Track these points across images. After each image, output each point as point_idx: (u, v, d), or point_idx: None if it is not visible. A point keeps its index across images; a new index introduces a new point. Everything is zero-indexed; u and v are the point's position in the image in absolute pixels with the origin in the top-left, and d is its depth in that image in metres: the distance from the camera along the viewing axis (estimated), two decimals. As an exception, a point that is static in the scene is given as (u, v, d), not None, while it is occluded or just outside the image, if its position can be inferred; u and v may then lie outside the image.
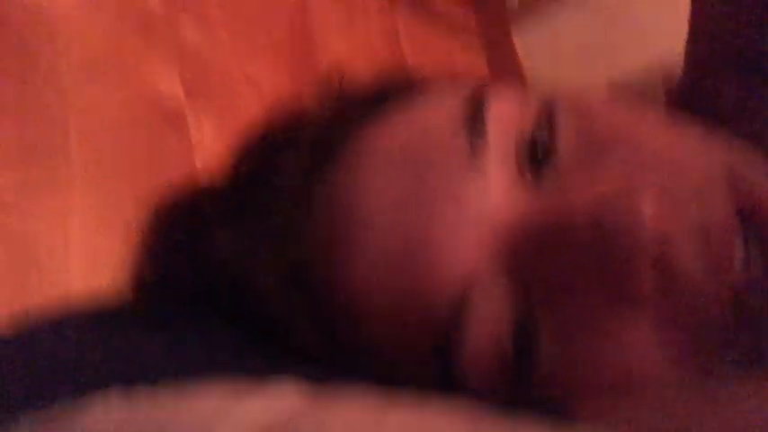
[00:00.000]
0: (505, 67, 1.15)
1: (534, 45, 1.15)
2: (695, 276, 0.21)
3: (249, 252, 0.26)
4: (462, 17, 1.11)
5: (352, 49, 0.82)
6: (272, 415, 0.18)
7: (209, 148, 0.55)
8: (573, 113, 0.24)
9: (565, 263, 0.22)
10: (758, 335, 0.22)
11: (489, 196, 0.23)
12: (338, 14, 0.83)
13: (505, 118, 0.24)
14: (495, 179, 0.23)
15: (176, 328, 0.25)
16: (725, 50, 0.34)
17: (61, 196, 0.44)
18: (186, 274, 0.28)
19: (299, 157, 0.28)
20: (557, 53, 1.12)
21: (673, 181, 0.22)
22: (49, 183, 0.44)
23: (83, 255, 0.43)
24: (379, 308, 0.24)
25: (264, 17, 0.70)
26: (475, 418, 0.17)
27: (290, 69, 0.70)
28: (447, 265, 0.23)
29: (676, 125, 0.26)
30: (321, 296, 0.25)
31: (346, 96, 0.31)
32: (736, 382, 0.21)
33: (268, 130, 0.32)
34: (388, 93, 0.30)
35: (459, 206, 0.23)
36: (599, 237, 0.21)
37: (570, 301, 0.22)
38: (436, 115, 0.26)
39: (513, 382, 0.23)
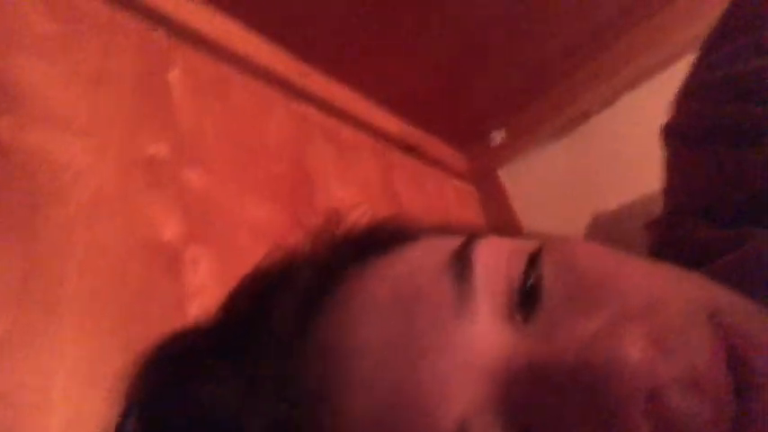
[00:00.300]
0: (494, 201, 1.19)
1: (520, 180, 1.20)
2: (690, 423, 0.21)
3: (239, 398, 0.26)
4: (450, 156, 1.17)
5: (349, 188, 0.86)
6: None
7: (204, 293, 0.55)
8: (558, 259, 0.26)
9: (556, 408, 0.22)
10: None
11: (477, 342, 0.24)
12: (334, 157, 0.87)
13: (492, 264, 0.25)
14: (482, 324, 0.24)
15: None
16: (693, 201, 0.37)
17: (50, 346, 0.43)
18: (175, 421, 0.27)
19: (291, 304, 0.29)
20: (542, 188, 1.17)
21: (657, 323, 0.23)
22: (41, 327, 0.44)
23: (65, 415, 0.42)
24: None
25: (265, 163, 0.74)
26: None
27: (289, 210, 0.72)
28: (439, 414, 0.22)
29: (656, 268, 0.27)
30: None
31: (339, 242, 0.33)
32: None
33: (262, 273, 0.33)
34: (380, 240, 0.31)
35: (448, 354, 0.23)
36: (588, 382, 0.21)
37: None
38: (424, 264, 0.27)
39: None
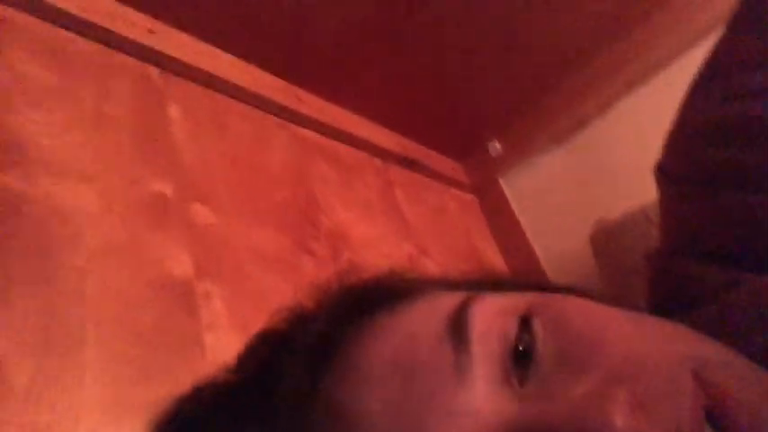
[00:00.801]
0: (497, 209, 1.20)
1: (521, 188, 1.20)
2: None
3: None
4: (450, 168, 1.18)
5: (352, 208, 0.87)
6: None
7: (219, 325, 0.56)
8: (549, 319, 0.27)
9: None
10: None
11: (476, 409, 0.25)
12: (336, 178, 0.88)
13: (487, 329, 0.27)
14: (480, 390, 0.25)
15: None
16: (690, 243, 0.38)
17: (74, 389, 0.44)
18: None
19: (298, 367, 0.30)
20: (543, 194, 1.17)
21: (642, 385, 0.24)
22: (64, 372, 0.44)
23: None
24: None
25: (268, 190, 0.74)
26: None
27: (294, 235, 0.73)
28: None
29: (643, 324, 0.28)
30: None
31: (341, 300, 0.34)
32: None
33: (271, 333, 0.35)
34: (381, 298, 0.32)
35: (449, 421, 0.25)
36: None
37: None
38: (423, 329, 0.28)
39: None
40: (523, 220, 1.16)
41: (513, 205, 1.18)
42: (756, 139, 0.34)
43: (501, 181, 1.20)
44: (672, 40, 1.00)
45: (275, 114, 0.84)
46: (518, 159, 1.18)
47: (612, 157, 1.14)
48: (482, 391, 0.26)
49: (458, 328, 0.27)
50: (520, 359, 0.27)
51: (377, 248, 0.85)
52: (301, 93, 0.89)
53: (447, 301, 0.30)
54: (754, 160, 0.34)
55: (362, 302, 0.34)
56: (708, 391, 0.24)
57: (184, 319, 0.55)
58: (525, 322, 0.28)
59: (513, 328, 0.27)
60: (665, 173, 0.40)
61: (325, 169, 0.87)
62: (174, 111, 0.69)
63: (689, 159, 0.38)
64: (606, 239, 0.91)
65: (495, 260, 1.12)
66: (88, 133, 0.58)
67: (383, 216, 0.92)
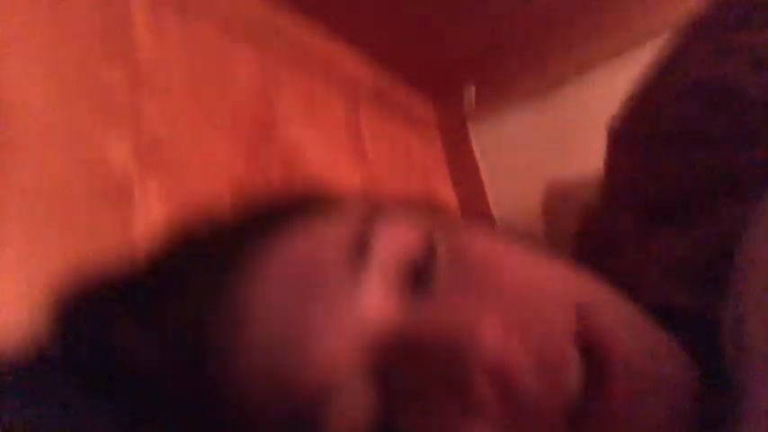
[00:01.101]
0: (460, 156, 1.20)
1: (488, 138, 1.20)
2: (531, 402, 0.23)
3: (148, 336, 0.28)
4: (422, 108, 1.17)
5: (312, 131, 0.86)
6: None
7: (152, 223, 0.56)
8: (453, 245, 0.28)
9: (420, 377, 0.25)
10: None
11: (360, 314, 0.27)
12: (301, 98, 0.87)
13: (392, 242, 0.28)
14: (370, 295, 0.27)
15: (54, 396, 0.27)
16: (626, 197, 0.39)
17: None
18: (81, 346, 0.30)
19: (208, 264, 0.32)
20: (509, 147, 1.18)
21: (522, 312, 0.26)
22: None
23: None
24: (256, 400, 0.27)
25: (227, 101, 0.73)
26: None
27: (248, 152, 0.72)
28: (313, 366, 0.26)
29: (545, 262, 0.30)
30: (206, 384, 0.28)
31: (264, 209, 0.35)
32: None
33: (190, 230, 0.35)
34: (301, 210, 0.33)
35: (333, 316, 0.27)
36: (442, 356, 0.24)
37: (424, 412, 0.24)
38: (328, 235, 0.29)
39: None
40: (484, 171, 1.17)
41: (477, 154, 1.18)
42: (727, 100, 0.34)
43: (470, 128, 1.20)
44: (659, 17, 0.99)
45: (246, 24, 0.82)
46: (490, 109, 1.18)
47: (584, 121, 1.14)
48: (373, 298, 0.27)
49: (361, 238, 0.29)
50: (418, 278, 0.28)
51: (331, 173, 0.85)
52: (276, 4, 0.86)
53: (358, 215, 0.31)
54: (720, 121, 0.34)
55: (281, 214, 0.35)
56: (587, 328, 0.26)
57: (118, 214, 0.55)
58: (430, 245, 0.29)
59: (417, 248, 0.29)
60: (616, 133, 0.41)
61: (289, 87, 0.85)
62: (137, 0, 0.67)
63: (651, 114, 0.38)
64: (556, 200, 0.93)
65: (450, 205, 1.14)
66: (43, 11, 0.56)
67: (343, 143, 0.92)
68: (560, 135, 1.14)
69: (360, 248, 0.28)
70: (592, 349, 0.25)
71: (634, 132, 0.40)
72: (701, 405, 0.25)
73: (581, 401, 0.24)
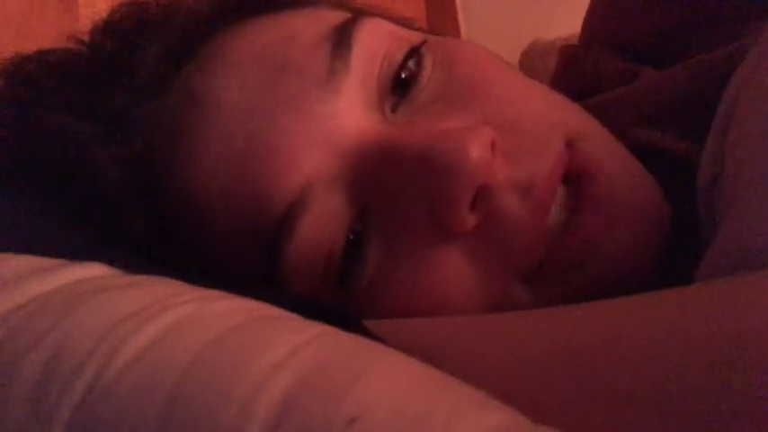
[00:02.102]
0: (441, 8, 1.14)
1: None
2: (512, 223, 0.22)
3: (91, 128, 0.25)
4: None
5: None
6: (74, 279, 0.17)
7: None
8: (440, 58, 0.25)
9: (397, 188, 0.23)
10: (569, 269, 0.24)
11: (336, 117, 0.24)
12: None
13: (374, 47, 0.25)
14: (345, 102, 0.24)
15: None
16: (608, 34, 0.36)
17: None
18: (20, 141, 0.27)
19: (162, 45, 0.28)
20: (494, 7, 1.12)
21: (512, 137, 0.24)
22: None
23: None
24: (217, 198, 0.25)
25: None
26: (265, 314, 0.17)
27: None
28: (284, 174, 0.24)
29: (536, 87, 0.27)
30: (160, 182, 0.25)
31: None
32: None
33: (142, 6, 0.31)
34: (275, 1, 0.29)
35: (305, 121, 0.24)
36: (428, 168, 0.23)
37: (398, 223, 0.24)
38: (303, 31, 0.26)
39: (335, 286, 0.24)
40: (463, 21, 1.11)
41: (458, 3, 1.12)
42: None
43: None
44: None
45: None
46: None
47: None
48: (349, 102, 0.24)
49: (341, 35, 0.25)
50: (398, 88, 0.26)
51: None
52: None
53: (338, 15, 0.27)
54: None
55: (251, 2, 0.30)
56: (574, 157, 0.25)
57: (60, 14, 0.49)
58: (414, 53, 0.26)
59: (400, 54, 0.26)
60: None
61: None
62: None
63: None
64: (534, 58, 0.90)
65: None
66: None
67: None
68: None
69: (338, 47, 0.25)
70: (578, 178, 0.24)
71: None
72: (669, 242, 0.25)
73: (560, 228, 0.24)
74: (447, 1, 1.11)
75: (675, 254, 0.25)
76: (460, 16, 1.10)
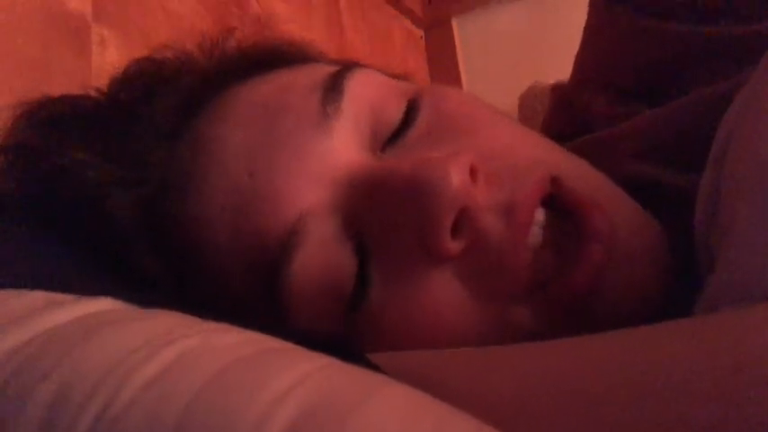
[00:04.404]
0: (441, 51, 1.16)
1: (473, 34, 1.16)
2: (493, 244, 0.23)
3: (107, 170, 0.27)
4: (407, -4, 1.11)
5: (288, 4, 0.81)
6: (85, 313, 0.18)
7: (109, 72, 0.53)
8: (430, 102, 0.27)
9: (387, 215, 0.24)
10: (553, 293, 0.24)
11: (329, 153, 0.26)
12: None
13: (366, 94, 0.27)
14: (338, 140, 0.26)
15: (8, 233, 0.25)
16: (600, 73, 0.38)
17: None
18: (39, 178, 0.28)
19: (176, 98, 0.30)
20: (493, 45, 1.14)
21: (493, 165, 0.25)
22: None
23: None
24: (223, 233, 0.26)
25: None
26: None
27: (217, 12, 0.68)
28: (281, 208, 0.25)
29: (522, 130, 0.29)
30: (170, 222, 0.27)
31: (236, 54, 0.33)
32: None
33: (158, 62, 0.33)
34: (273, 59, 0.32)
35: (299, 158, 0.26)
36: (411, 194, 0.23)
37: (391, 250, 0.24)
38: (300, 81, 0.27)
39: (337, 314, 0.24)
40: (464, 67, 1.13)
41: (459, 50, 1.14)
42: None
43: (454, 21, 1.15)
44: None
45: None
46: (477, 3, 1.13)
47: (574, 23, 1.10)
48: (341, 141, 0.26)
49: (334, 82, 0.27)
50: (391, 133, 0.27)
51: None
52: None
53: (334, 67, 0.30)
54: None
55: (253, 60, 0.33)
56: (564, 192, 0.25)
57: (74, 61, 0.51)
58: (406, 101, 0.28)
59: (395, 106, 0.27)
60: None
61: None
62: None
63: None
64: (533, 101, 0.92)
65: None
66: None
67: (320, 21, 0.87)
68: (546, 38, 1.10)
69: (331, 93, 0.27)
70: (570, 213, 0.25)
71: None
72: (670, 278, 0.26)
73: (550, 268, 0.24)
74: (448, 50, 1.14)
75: (675, 285, 0.25)
76: (461, 65, 1.13)
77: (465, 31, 1.16)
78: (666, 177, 0.29)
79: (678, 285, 0.25)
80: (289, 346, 0.18)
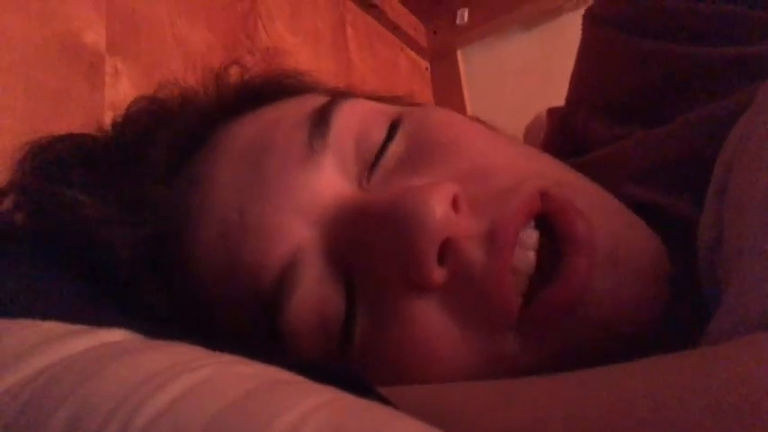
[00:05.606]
0: (446, 82, 1.18)
1: (478, 65, 1.18)
2: (477, 272, 0.23)
3: (106, 211, 0.27)
4: (412, 26, 1.13)
5: (296, 34, 0.82)
6: (97, 343, 0.18)
7: (121, 101, 0.54)
8: (412, 124, 0.27)
9: (370, 247, 0.24)
10: (543, 321, 0.23)
11: (316, 190, 0.26)
12: (286, 0, 0.83)
13: (351, 125, 0.27)
14: (325, 174, 0.26)
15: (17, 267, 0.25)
16: (595, 93, 0.38)
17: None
18: (45, 215, 0.28)
19: (174, 137, 0.31)
20: (497, 76, 1.15)
21: (477, 189, 0.25)
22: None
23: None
24: (219, 269, 0.27)
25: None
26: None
27: (227, 43, 0.69)
28: (276, 236, 0.25)
29: (512, 145, 0.28)
30: (169, 259, 0.28)
31: (232, 90, 0.34)
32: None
33: (160, 101, 0.34)
34: (267, 93, 0.32)
35: (286, 197, 0.26)
36: (393, 226, 0.23)
37: (377, 282, 0.24)
38: (290, 113, 0.28)
39: (333, 348, 0.24)
40: (469, 98, 1.15)
41: (464, 81, 1.16)
42: None
43: (459, 53, 1.17)
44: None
45: None
46: (482, 35, 1.15)
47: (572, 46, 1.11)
48: (328, 176, 0.26)
49: (320, 117, 0.28)
50: (373, 156, 0.27)
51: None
52: None
53: (321, 99, 0.30)
54: (699, 9, 0.32)
55: (250, 94, 0.34)
56: (550, 202, 0.24)
57: (87, 92, 0.52)
58: (388, 127, 0.28)
59: (379, 131, 0.28)
60: (594, 16, 0.39)
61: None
62: None
63: (625, 4, 0.36)
64: (538, 132, 0.92)
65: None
66: None
67: (328, 52, 0.89)
68: (550, 69, 1.12)
69: (317, 128, 0.27)
70: (555, 222, 0.24)
71: (610, 18, 0.38)
72: (668, 298, 0.25)
73: (536, 285, 0.24)
74: (453, 81, 1.16)
75: (676, 310, 0.25)
76: (466, 96, 1.14)
77: (470, 63, 1.17)
78: (665, 200, 0.29)
79: (677, 309, 0.25)
80: (298, 378, 0.18)
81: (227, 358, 0.18)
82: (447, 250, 0.23)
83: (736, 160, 0.23)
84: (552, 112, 0.42)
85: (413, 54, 1.14)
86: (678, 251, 0.26)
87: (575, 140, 0.38)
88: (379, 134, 0.27)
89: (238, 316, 0.26)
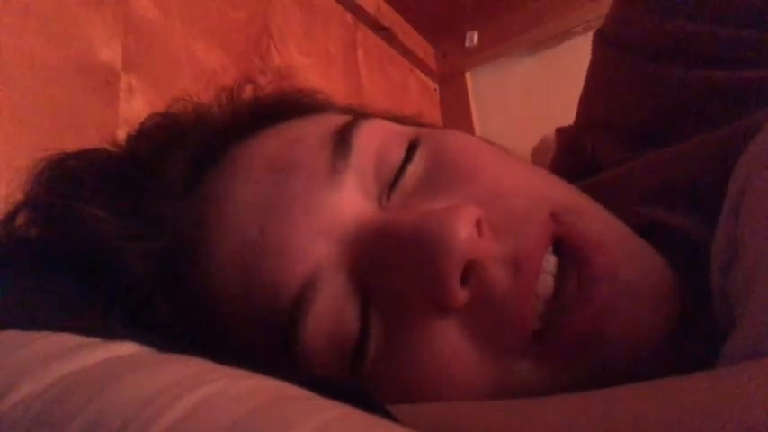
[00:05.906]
0: (455, 103, 1.19)
1: (487, 87, 1.19)
2: (501, 295, 0.23)
3: (123, 225, 0.27)
4: (422, 49, 1.14)
5: (308, 55, 0.84)
6: (111, 356, 0.18)
7: (135, 119, 0.54)
8: (431, 145, 0.27)
9: (392, 268, 0.24)
10: (563, 344, 0.24)
11: (337, 209, 0.26)
12: (300, 19, 0.84)
13: (372, 145, 0.27)
14: (346, 196, 0.27)
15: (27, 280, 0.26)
16: (605, 115, 0.38)
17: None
18: (58, 230, 0.29)
19: (189, 153, 0.31)
20: (506, 98, 1.16)
21: (496, 211, 0.25)
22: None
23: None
24: (235, 286, 0.26)
25: (224, 9, 0.70)
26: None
27: (240, 63, 0.70)
28: (296, 255, 0.25)
29: (523, 166, 0.29)
30: (183, 274, 0.27)
31: (248, 106, 0.34)
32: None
33: (174, 117, 0.34)
34: (284, 111, 0.32)
35: (308, 216, 0.26)
36: (416, 248, 0.24)
37: (397, 302, 0.24)
38: (309, 135, 0.28)
39: (348, 367, 0.24)
40: (477, 120, 1.15)
41: (473, 103, 1.17)
42: (719, 11, 0.32)
43: (468, 75, 1.18)
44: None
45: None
46: (491, 57, 1.16)
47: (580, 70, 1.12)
48: (349, 195, 0.26)
49: (342, 137, 0.28)
50: (394, 177, 0.28)
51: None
52: None
53: (341, 119, 0.30)
54: (718, 34, 0.32)
55: (265, 112, 0.34)
56: (566, 231, 0.25)
57: (102, 108, 0.53)
58: (410, 144, 0.28)
59: (398, 151, 0.28)
60: (605, 37, 0.39)
61: (290, 5, 0.82)
62: None
63: (638, 26, 0.36)
64: (545, 153, 0.93)
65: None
66: None
67: (339, 73, 0.90)
68: (558, 91, 1.12)
69: (339, 148, 0.27)
70: (573, 254, 0.24)
71: (621, 41, 0.38)
72: (678, 320, 0.25)
73: (556, 310, 0.24)
74: (461, 102, 1.17)
75: (688, 331, 0.25)
76: (474, 117, 1.15)
77: (478, 84, 1.19)
78: (676, 222, 0.29)
79: (689, 330, 0.25)
80: (307, 394, 0.18)
81: (236, 372, 0.18)
82: (470, 272, 0.24)
83: (750, 180, 0.23)
84: (561, 132, 0.42)
85: (422, 76, 1.15)
86: (689, 272, 0.25)
87: (583, 161, 0.38)
88: (398, 154, 0.28)
89: (251, 331, 0.26)
